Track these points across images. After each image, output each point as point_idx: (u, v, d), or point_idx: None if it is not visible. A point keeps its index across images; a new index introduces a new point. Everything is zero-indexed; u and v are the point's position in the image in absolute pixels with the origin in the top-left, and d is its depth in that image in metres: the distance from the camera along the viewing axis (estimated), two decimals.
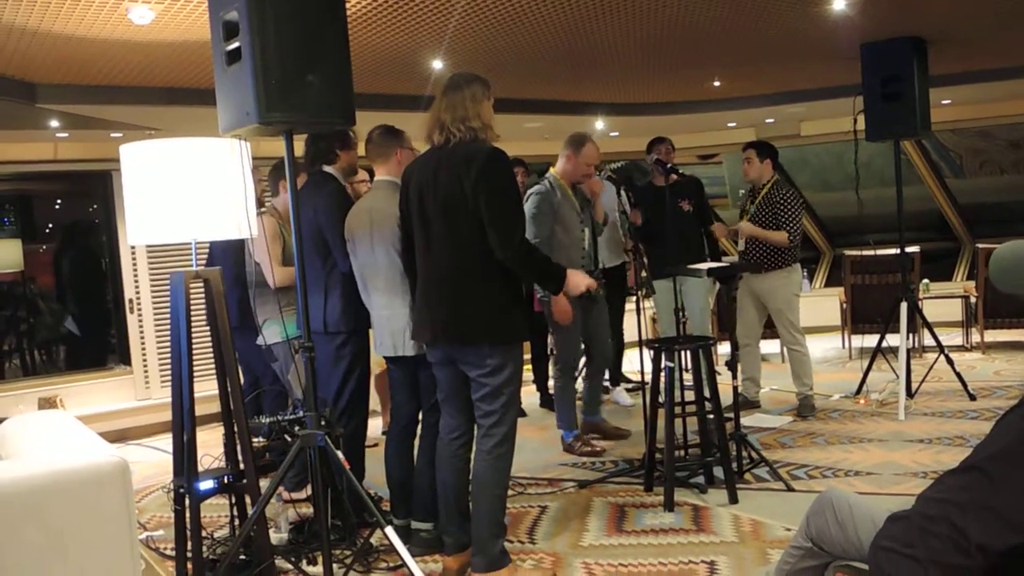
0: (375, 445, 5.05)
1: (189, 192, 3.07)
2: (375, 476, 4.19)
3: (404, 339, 3.61)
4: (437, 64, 5.14)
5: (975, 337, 7.78)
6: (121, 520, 2.28)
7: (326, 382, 3.93)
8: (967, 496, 1.38)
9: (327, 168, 4.05)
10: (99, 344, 7.59)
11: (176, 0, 3.67)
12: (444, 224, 3.23)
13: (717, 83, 6.72)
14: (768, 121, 8.40)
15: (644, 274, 4.52)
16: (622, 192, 5.16)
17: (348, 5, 3.57)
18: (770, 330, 6.03)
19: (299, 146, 4.21)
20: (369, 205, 3.74)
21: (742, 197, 6.01)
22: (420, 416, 3.77)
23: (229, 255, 4.50)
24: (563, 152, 5.11)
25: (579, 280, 3.38)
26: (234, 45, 2.82)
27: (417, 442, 3.76)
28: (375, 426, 5.58)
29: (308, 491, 4.05)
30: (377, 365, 4.50)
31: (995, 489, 1.36)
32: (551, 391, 6.60)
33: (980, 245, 7.95)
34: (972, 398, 5.79)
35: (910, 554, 1.38)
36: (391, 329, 3.65)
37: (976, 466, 1.40)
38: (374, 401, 5.65)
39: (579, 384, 5.50)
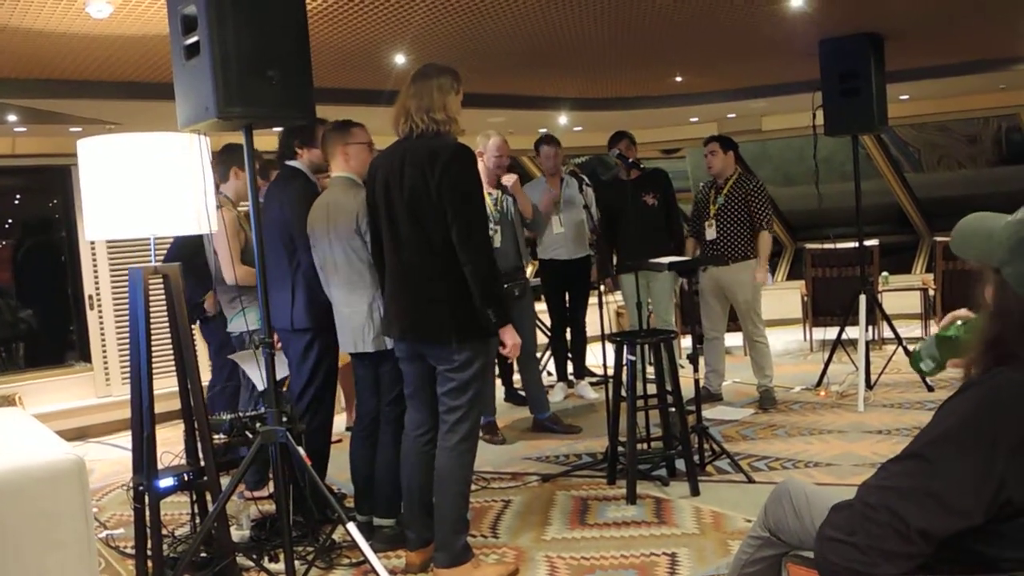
0: (339, 441, 5.04)
1: (148, 187, 3.04)
2: (339, 472, 4.19)
3: (364, 335, 3.61)
4: (400, 59, 5.13)
5: (933, 329, 7.90)
6: (78, 519, 2.27)
7: (294, 378, 3.93)
8: (908, 482, 1.41)
9: (293, 163, 4.03)
10: (59, 341, 7.49)
11: None
12: (410, 219, 3.23)
13: (679, 78, 6.76)
14: (730, 116, 8.48)
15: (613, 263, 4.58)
16: (583, 187, 5.19)
17: (308, 0, 3.55)
18: (732, 323, 6.10)
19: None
20: (327, 201, 3.73)
21: (700, 190, 6.07)
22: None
23: (187, 249, 4.47)
24: (476, 150, 5.16)
25: (510, 338, 3.27)
26: (192, 39, 2.81)
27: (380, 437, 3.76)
28: (339, 422, 5.56)
29: (269, 489, 4.05)
30: (343, 360, 4.49)
31: (935, 474, 1.39)
32: (515, 385, 6.65)
33: (938, 238, 8.09)
34: (930, 389, 5.90)
35: (852, 542, 1.41)
36: (351, 326, 3.65)
37: (916, 453, 1.43)
38: (339, 397, 5.65)
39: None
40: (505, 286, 4.98)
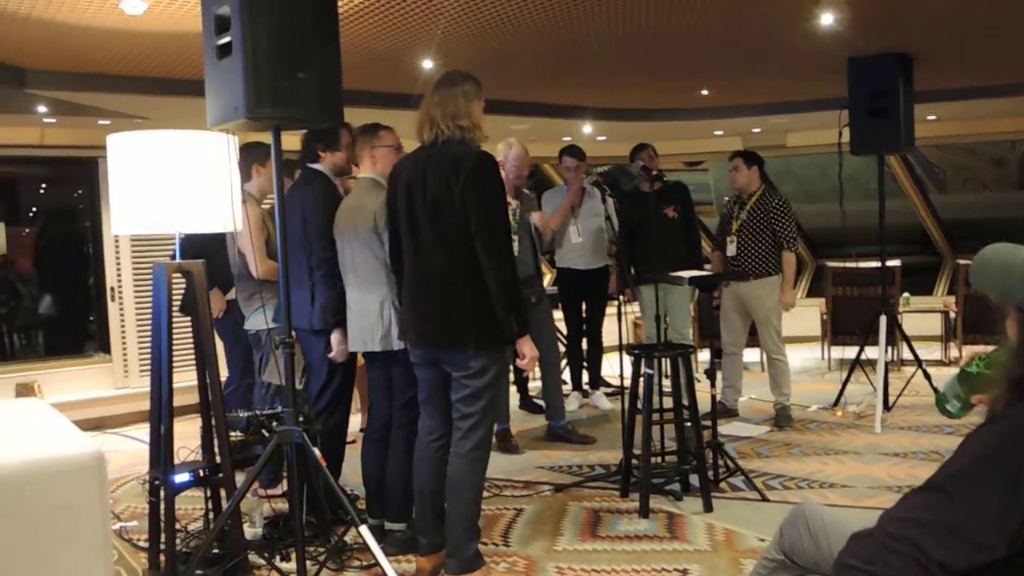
0: (353, 441, 5.05)
1: (175, 184, 3.07)
2: (353, 473, 4.20)
3: (372, 334, 3.62)
4: (427, 63, 5.15)
5: (954, 352, 7.85)
6: (95, 511, 2.28)
7: (313, 379, 3.95)
8: (928, 515, 1.40)
9: (315, 166, 4.05)
10: (79, 331, 7.55)
11: None
12: (432, 226, 3.24)
13: (705, 92, 6.75)
14: (755, 131, 8.45)
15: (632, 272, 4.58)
16: (606, 198, 5.18)
17: (340, 2, 3.57)
18: (751, 338, 6.08)
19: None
20: (353, 203, 3.76)
21: (725, 204, 6.05)
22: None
23: (205, 247, 4.49)
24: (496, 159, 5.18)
25: (528, 350, 3.28)
26: (225, 39, 2.83)
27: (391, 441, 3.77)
28: (355, 423, 5.57)
29: (283, 487, 4.06)
30: (360, 361, 4.51)
31: (956, 508, 1.38)
32: (531, 393, 6.64)
33: (961, 261, 8.03)
34: None
35: (871, 571, 1.41)
36: (361, 324, 3.67)
37: (938, 485, 1.43)
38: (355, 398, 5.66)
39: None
40: (524, 291, 5.00)
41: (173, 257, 3.35)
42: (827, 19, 4.56)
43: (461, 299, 3.23)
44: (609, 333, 6.14)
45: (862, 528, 1.53)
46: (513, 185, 5.19)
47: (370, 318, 3.64)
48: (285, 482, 3.75)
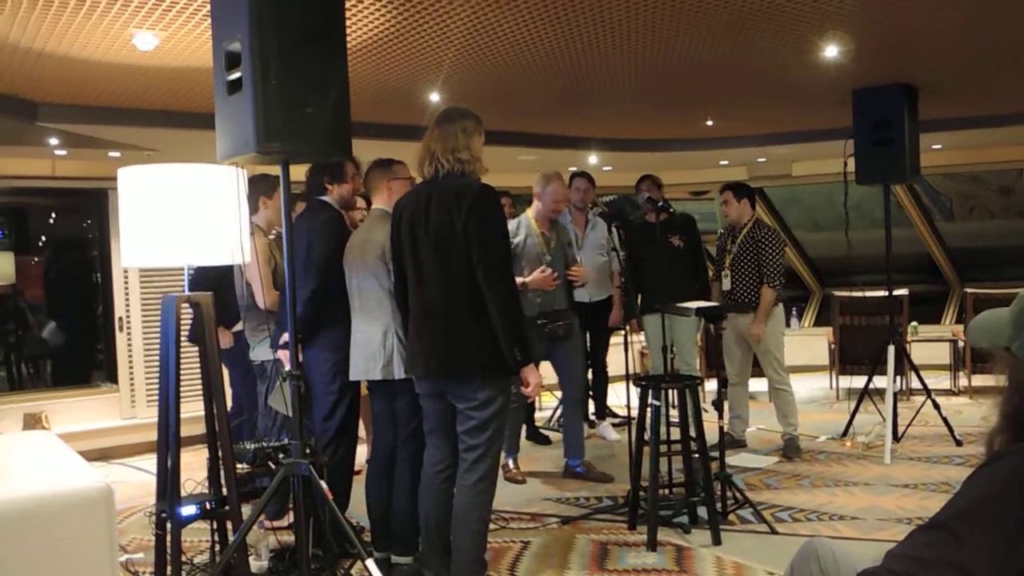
0: (359, 472, 5.04)
1: (185, 217, 3.09)
2: (358, 505, 4.18)
3: (375, 362, 3.64)
4: (434, 96, 5.20)
5: (963, 381, 7.82)
6: (102, 544, 2.29)
7: (317, 407, 3.94)
8: (933, 553, 1.40)
9: (322, 198, 4.08)
10: (86, 360, 7.57)
11: (180, 28, 3.71)
12: (435, 259, 3.26)
13: (710, 122, 6.79)
14: (760, 160, 8.48)
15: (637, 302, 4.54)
16: (612, 228, 5.20)
17: (349, 38, 3.62)
18: (756, 368, 6.06)
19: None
20: (364, 235, 3.80)
21: (720, 237, 6.07)
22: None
23: (206, 283, 4.50)
24: (534, 191, 5.18)
25: (533, 378, 3.30)
26: (235, 75, 2.86)
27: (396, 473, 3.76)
28: (362, 452, 5.56)
29: (289, 519, 4.05)
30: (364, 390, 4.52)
31: (960, 547, 1.38)
32: (537, 424, 6.62)
33: (969, 289, 8.02)
34: (958, 443, 5.81)
35: None
36: (364, 352, 3.68)
37: (942, 523, 1.43)
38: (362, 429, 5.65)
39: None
40: (550, 325, 4.99)
41: (188, 288, 3.36)
42: (831, 51, 4.60)
43: (465, 331, 3.24)
44: (615, 363, 6.13)
45: (873, 564, 1.53)
46: (548, 218, 5.19)
47: (372, 347, 3.65)
48: (291, 514, 3.74)
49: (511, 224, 5.07)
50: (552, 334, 5.04)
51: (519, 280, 4.76)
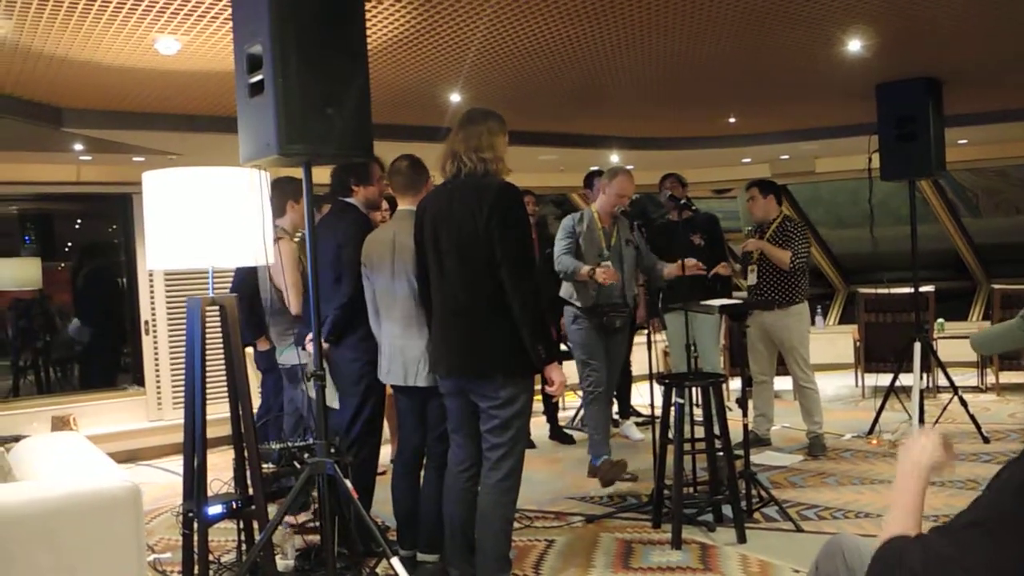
0: (384, 472, 5.05)
1: (209, 220, 3.12)
2: (383, 504, 4.20)
3: (418, 369, 3.62)
4: (455, 97, 5.21)
5: (990, 378, 7.73)
6: (131, 544, 2.31)
7: (343, 408, 3.96)
8: (972, 558, 1.38)
9: (348, 200, 4.09)
10: (113, 363, 7.65)
11: (202, 32, 3.74)
12: (458, 258, 3.27)
13: (732, 120, 6.76)
14: (783, 157, 8.42)
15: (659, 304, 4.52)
16: (635, 227, 5.18)
17: (369, 40, 3.63)
18: (781, 366, 6.02)
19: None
20: (392, 235, 3.72)
21: (747, 234, 6.03)
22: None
23: (247, 289, 4.53)
24: (600, 183, 5.24)
25: (556, 376, 3.29)
26: (257, 78, 2.88)
27: (423, 473, 3.76)
28: (386, 453, 5.58)
29: (310, 514, 4.07)
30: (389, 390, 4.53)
31: (998, 548, 1.36)
32: (560, 423, 6.61)
33: (996, 285, 7.92)
34: (986, 440, 5.75)
35: None
36: (404, 359, 3.66)
37: (979, 522, 1.41)
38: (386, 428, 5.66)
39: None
40: (608, 315, 5.01)
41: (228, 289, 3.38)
42: (854, 45, 4.56)
43: (488, 329, 3.25)
44: (639, 362, 6.11)
45: None
46: (610, 212, 5.18)
47: (415, 352, 3.62)
48: (314, 510, 3.75)
49: (575, 215, 5.17)
50: (609, 324, 5.05)
51: (584, 269, 4.84)
